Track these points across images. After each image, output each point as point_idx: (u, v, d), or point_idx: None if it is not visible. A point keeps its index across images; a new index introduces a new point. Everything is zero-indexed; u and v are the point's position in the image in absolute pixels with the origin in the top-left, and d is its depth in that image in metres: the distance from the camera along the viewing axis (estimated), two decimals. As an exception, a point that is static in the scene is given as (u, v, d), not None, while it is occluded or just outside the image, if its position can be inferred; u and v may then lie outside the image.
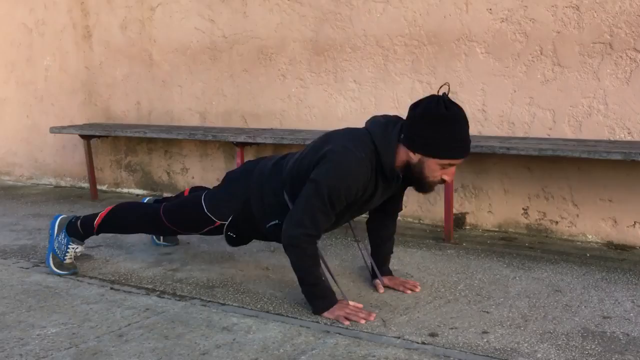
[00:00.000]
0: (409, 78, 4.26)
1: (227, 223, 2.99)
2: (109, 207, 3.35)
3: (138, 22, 5.44)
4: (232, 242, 3.09)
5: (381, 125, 2.66)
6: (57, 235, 3.32)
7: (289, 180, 2.79)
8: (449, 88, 2.58)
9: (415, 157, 2.58)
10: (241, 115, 5.06)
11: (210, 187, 3.32)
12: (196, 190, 3.59)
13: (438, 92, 2.54)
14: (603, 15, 3.61)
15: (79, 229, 3.32)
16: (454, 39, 4.06)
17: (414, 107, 2.58)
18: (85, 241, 3.38)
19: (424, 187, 2.69)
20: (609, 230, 3.77)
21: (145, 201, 3.77)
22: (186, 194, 3.59)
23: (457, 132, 2.54)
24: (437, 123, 2.50)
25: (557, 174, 3.87)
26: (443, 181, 2.64)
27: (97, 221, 3.29)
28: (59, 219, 3.37)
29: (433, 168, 2.57)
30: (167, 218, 3.14)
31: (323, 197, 2.56)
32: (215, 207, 3.01)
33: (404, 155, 2.61)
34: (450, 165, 2.59)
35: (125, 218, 3.31)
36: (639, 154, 3.17)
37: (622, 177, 3.68)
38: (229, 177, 3.12)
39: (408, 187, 2.86)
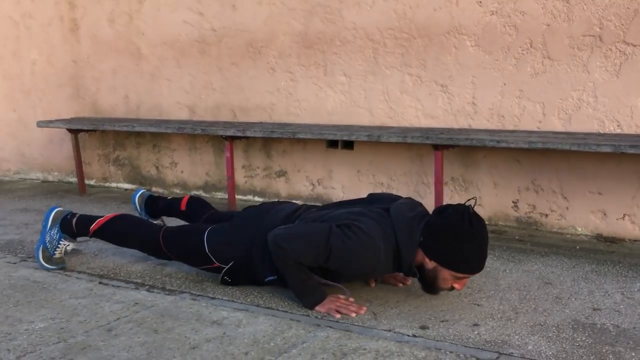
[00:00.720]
0: (398, 71, 4.25)
1: (226, 267, 2.92)
2: (110, 216, 3.26)
3: (126, 15, 5.40)
4: (226, 284, 2.99)
5: (407, 222, 2.61)
6: (50, 228, 3.27)
7: None
8: (475, 202, 2.55)
9: (430, 264, 2.57)
10: (230, 108, 5.03)
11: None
12: (197, 203, 3.54)
13: (465, 203, 2.52)
14: (593, 7, 3.61)
15: (72, 227, 3.26)
16: (444, 31, 4.05)
17: (439, 214, 2.56)
18: (78, 239, 3.35)
19: (431, 290, 2.68)
20: (599, 222, 3.78)
21: (138, 194, 3.73)
22: (184, 202, 3.55)
23: (476, 251, 2.53)
24: (459, 239, 2.49)
25: (546, 166, 3.87)
26: (452, 288, 2.63)
27: (93, 227, 3.22)
28: (54, 212, 3.30)
29: (446, 278, 2.57)
30: (166, 244, 3.06)
31: (326, 247, 2.54)
32: (218, 250, 2.92)
33: (420, 257, 2.59)
34: (464, 277, 2.59)
35: (124, 232, 3.23)
36: (629, 146, 3.18)
37: (611, 170, 3.69)
38: (238, 220, 3.03)
39: None
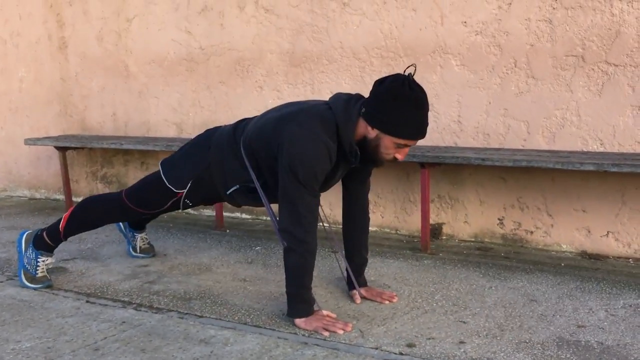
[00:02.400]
0: (385, 90, 4.28)
1: (185, 190, 3.02)
2: (70, 209, 3.33)
3: (114, 33, 5.42)
4: (186, 207, 3.13)
5: (343, 101, 2.69)
6: (25, 251, 3.29)
7: (249, 144, 2.81)
8: (415, 69, 2.60)
9: (372, 133, 2.62)
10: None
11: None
12: None
13: (404, 71, 2.57)
14: (575, 28, 3.67)
15: (46, 240, 3.28)
16: (430, 51, 4.10)
17: (379, 84, 2.61)
18: (55, 252, 3.35)
19: (376, 162, 2.73)
20: (583, 240, 3.82)
21: None
22: None
23: (417, 115, 2.58)
24: (399, 103, 2.54)
25: (531, 184, 3.91)
26: (395, 160, 2.69)
27: (62, 225, 3.27)
28: (24, 235, 3.35)
29: (388, 145, 2.62)
30: (131, 200, 3.17)
31: (304, 182, 2.59)
32: (175, 177, 3.03)
33: (363, 129, 2.65)
34: (406, 145, 2.64)
35: (90, 212, 3.30)
36: (611, 164, 3.23)
37: (595, 188, 3.74)
38: (187, 146, 3.13)
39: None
